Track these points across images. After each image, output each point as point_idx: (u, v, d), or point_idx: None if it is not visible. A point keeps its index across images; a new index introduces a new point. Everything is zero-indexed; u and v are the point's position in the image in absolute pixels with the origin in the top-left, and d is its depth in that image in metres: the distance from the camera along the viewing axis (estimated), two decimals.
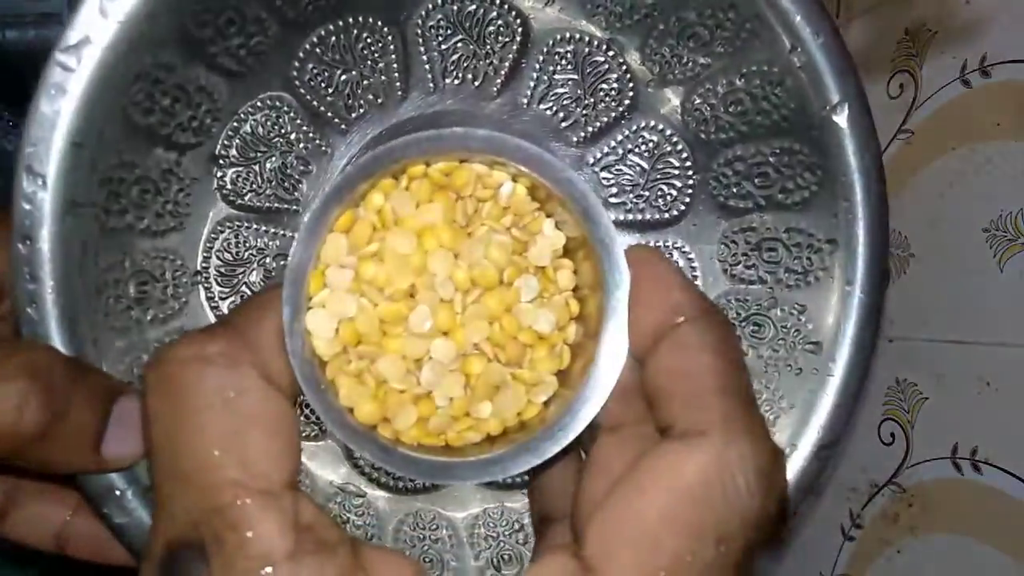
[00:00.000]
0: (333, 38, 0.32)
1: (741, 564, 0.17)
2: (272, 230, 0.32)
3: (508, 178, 0.22)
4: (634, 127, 0.34)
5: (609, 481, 0.18)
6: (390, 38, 0.32)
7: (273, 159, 0.32)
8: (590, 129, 0.34)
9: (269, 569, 0.16)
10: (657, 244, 0.35)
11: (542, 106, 0.34)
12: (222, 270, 0.31)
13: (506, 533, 0.32)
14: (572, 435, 0.20)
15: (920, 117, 0.49)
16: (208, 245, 0.31)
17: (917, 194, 0.49)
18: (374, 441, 0.20)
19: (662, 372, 0.19)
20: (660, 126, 0.34)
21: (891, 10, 0.50)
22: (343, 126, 0.33)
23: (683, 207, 0.34)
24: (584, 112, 0.34)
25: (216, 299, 0.31)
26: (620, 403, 0.20)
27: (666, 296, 0.20)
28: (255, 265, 0.32)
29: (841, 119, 0.28)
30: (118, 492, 0.25)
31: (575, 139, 0.34)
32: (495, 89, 0.34)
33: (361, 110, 0.33)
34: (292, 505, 0.17)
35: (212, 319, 0.31)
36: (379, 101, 0.33)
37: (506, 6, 0.33)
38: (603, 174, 0.35)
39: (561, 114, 0.34)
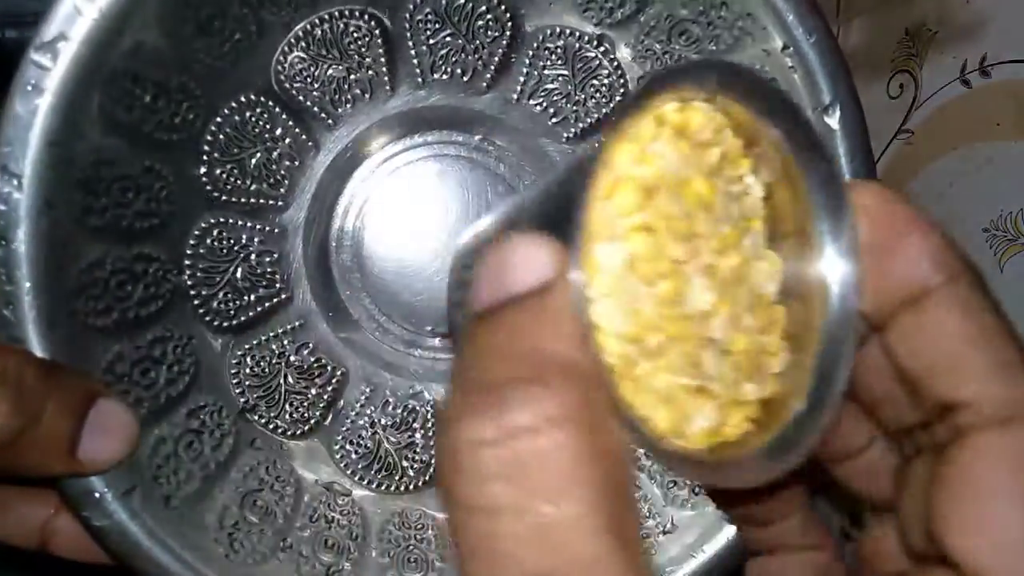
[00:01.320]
0: (319, 31, 0.31)
1: None
2: (257, 225, 0.32)
3: (727, 121, 0.18)
4: None
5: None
6: (377, 32, 0.32)
7: (258, 155, 0.32)
8: (581, 126, 0.34)
9: None
10: None
11: (532, 102, 0.34)
12: (205, 267, 0.31)
13: None
14: (836, 399, 0.17)
15: (920, 117, 0.49)
16: (192, 242, 0.30)
17: (917, 194, 0.49)
18: (689, 456, 0.17)
19: (944, 339, 0.16)
20: None
21: (891, 10, 0.50)
22: (330, 121, 0.33)
23: None
24: (575, 108, 0.34)
25: (200, 296, 0.31)
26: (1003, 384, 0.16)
27: (925, 247, 0.16)
28: (239, 261, 0.32)
29: (833, 121, 0.28)
30: (97, 495, 0.25)
31: (565, 135, 0.34)
32: (484, 84, 0.33)
33: (348, 105, 0.33)
34: None
35: (195, 319, 0.31)
36: (366, 96, 0.33)
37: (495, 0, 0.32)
38: None
39: (551, 110, 0.34)
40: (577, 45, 0.33)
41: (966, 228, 0.45)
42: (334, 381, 0.33)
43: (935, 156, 0.48)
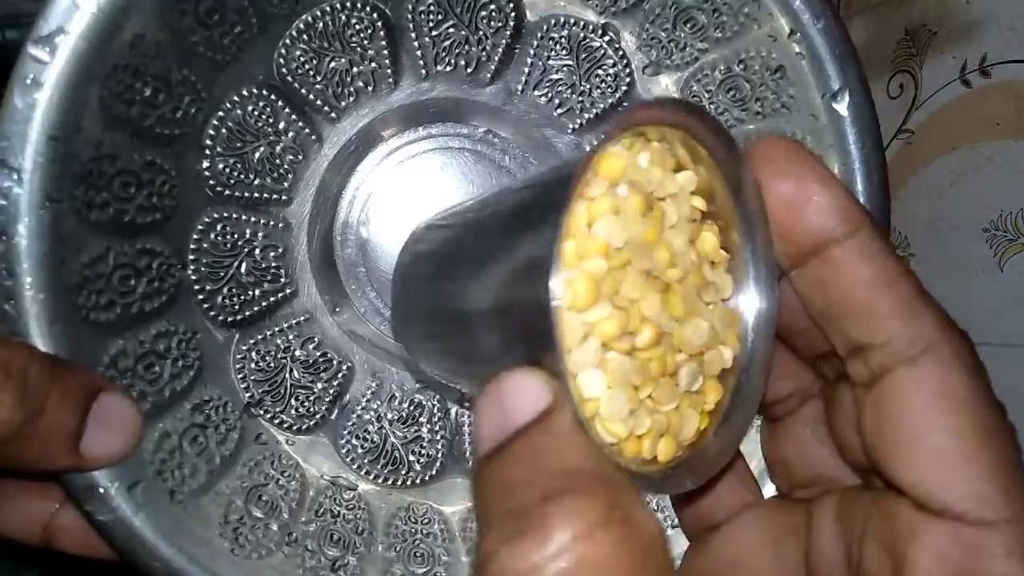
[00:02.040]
0: (320, 24, 0.31)
1: None
2: (260, 220, 0.32)
3: (640, 144, 0.19)
4: None
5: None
6: (379, 24, 0.31)
7: (261, 149, 0.31)
8: (586, 116, 0.33)
9: None
10: None
11: (536, 92, 0.33)
12: (209, 262, 0.31)
13: None
14: (763, 370, 0.19)
15: (920, 117, 0.49)
16: (195, 237, 0.30)
17: (917, 194, 0.49)
18: (685, 467, 0.19)
19: (851, 285, 0.17)
20: None
21: (891, 10, 0.50)
22: (333, 114, 0.32)
23: None
24: (580, 99, 0.33)
25: (204, 292, 0.31)
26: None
27: (830, 199, 0.18)
28: (243, 256, 0.32)
29: (841, 107, 0.27)
30: (101, 490, 0.25)
31: (571, 126, 0.34)
32: (488, 75, 0.33)
33: (351, 98, 0.33)
34: None
35: (200, 314, 0.31)
36: (369, 89, 0.33)
37: None
38: None
39: (556, 101, 0.33)
40: (581, 35, 0.32)
41: (966, 228, 0.46)
42: (340, 375, 0.33)
43: (935, 156, 0.48)
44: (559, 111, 0.34)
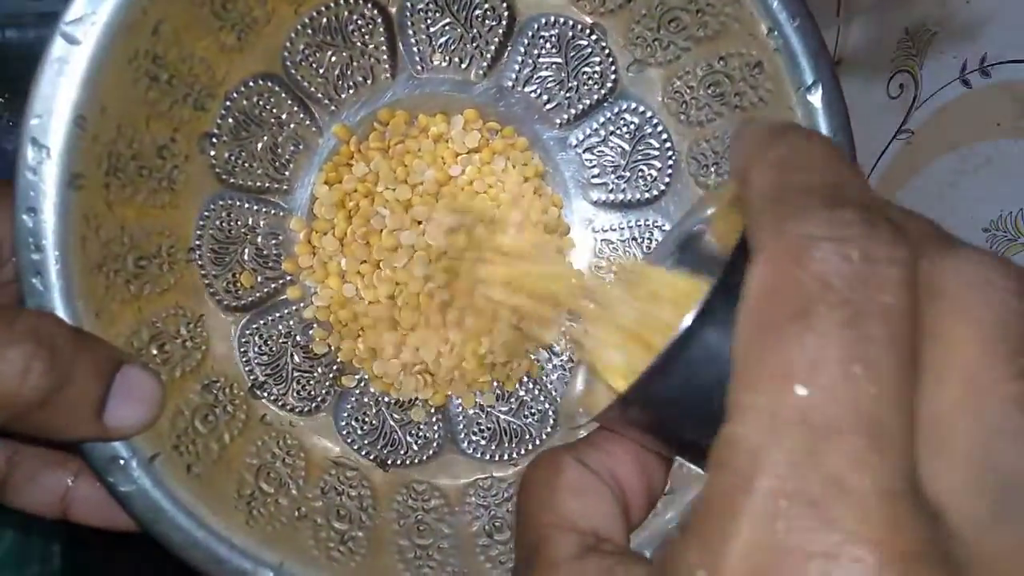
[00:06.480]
0: (324, 19, 0.32)
1: None
2: (263, 208, 0.33)
3: None
4: (616, 109, 0.35)
5: None
6: (380, 20, 0.33)
7: (264, 138, 0.33)
8: (573, 111, 0.35)
9: None
10: (637, 223, 0.36)
11: (527, 88, 0.35)
12: (214, 247, 0.32)
13: (496, 502, 0.33)
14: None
15: (920, 117, 0.49)
16: (201, 222, 0.31)
17: (917, 194, 0.49)
18: None
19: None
20: (641, 108, 0.35)
21: (891, 10, 0.50)
22: (333, 107, 0.34)
23: (663, 187, 0.35)
24: (567, 95, 0.35)
25: (209, 276, 0.31)
26: None
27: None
28: (247, 243, 0.33)
29: (815, 99, 0.30)
30: (122, 461, 0.26)
31: (558, 121, 0.35)
32: (481, 71, 0.35)
33: (350, 91, 0.34)
34: None
35: (206, 297, 0.31)
36: (368, 82, 0.34)
37: None
38: (585, 155, 0.36)
39: (545, 96, 0.35)
40: (570, 34, 0.34)
41: (966, 228, 0.45)
42: (338, 361, 0.34)
43: (935, 156, 0.47)
44: (548, 106, 0.35)
